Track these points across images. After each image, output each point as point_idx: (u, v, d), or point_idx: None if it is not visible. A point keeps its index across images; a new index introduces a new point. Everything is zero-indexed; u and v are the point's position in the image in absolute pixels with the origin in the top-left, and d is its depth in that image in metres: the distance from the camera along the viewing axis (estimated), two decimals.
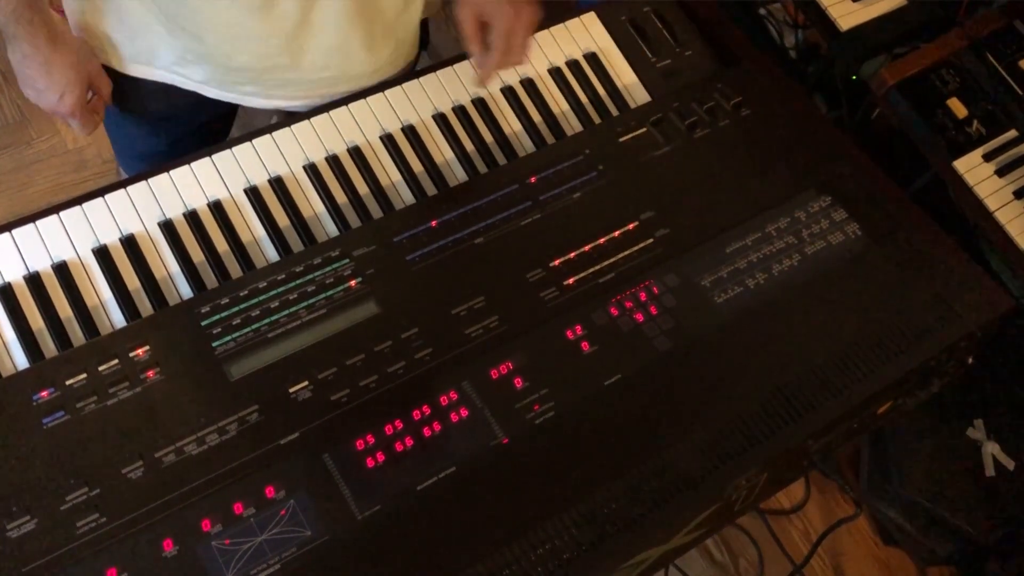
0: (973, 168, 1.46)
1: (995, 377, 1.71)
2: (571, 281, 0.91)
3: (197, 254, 0.93)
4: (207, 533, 0.74)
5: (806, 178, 1.02)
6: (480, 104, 1.06)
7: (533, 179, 0.98)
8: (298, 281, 0.88)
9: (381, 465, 0.79)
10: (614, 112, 1.10)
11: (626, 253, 0.94)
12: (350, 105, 1.02)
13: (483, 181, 0.99)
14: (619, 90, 1.11)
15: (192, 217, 0.94)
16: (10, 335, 0.85)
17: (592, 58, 1.12)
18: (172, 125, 1.14)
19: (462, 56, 1.08)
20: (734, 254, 0.95)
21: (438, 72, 1.06)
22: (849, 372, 0.88)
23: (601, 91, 1.10)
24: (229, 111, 1.18)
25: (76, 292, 0.88)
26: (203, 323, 0.84)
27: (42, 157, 2.05)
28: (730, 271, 0.94)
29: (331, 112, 1.02)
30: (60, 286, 0.88)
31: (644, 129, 1.03)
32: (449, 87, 1.06)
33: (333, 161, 0.99)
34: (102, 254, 0.90)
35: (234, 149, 0.97)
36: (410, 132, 1.03)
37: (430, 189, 1.00)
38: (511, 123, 1.07)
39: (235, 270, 0.93)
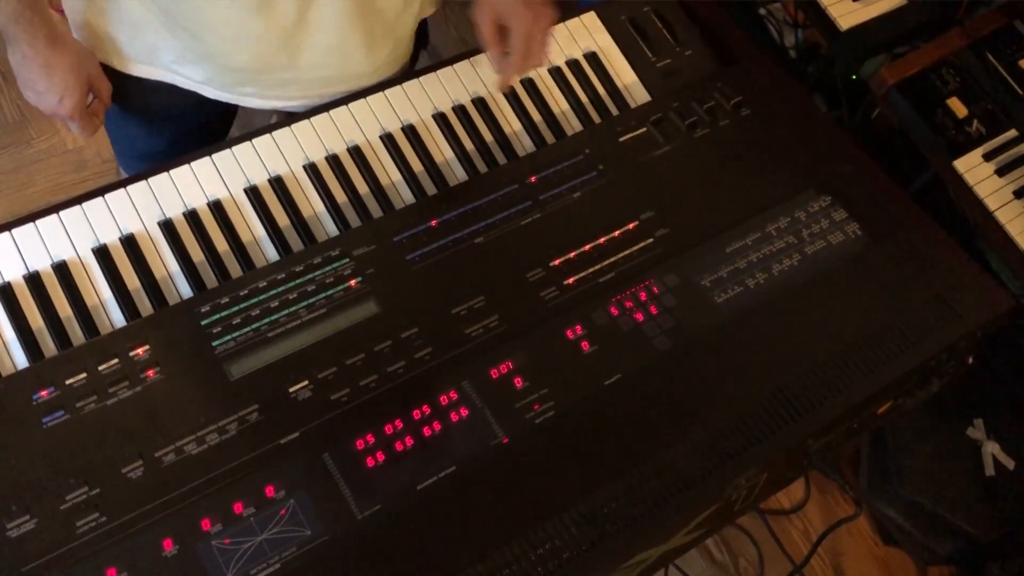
0: (973, 168, 1.46)
1: (995, 377, 1.71)
2: (571, 281, 0.91)
3: (197, 254, 0.93)
4: (207, 533, 0.74)
5: (806, 178, 1.01)
6: (480, 104, 1.06)
7: (533, 179, 0.98)
8: (298, 281, 0.88)
9: (381, 465, 0.79)
10: (614, 112, 1.10)
11: (626, 253, 0.94)
12: (350, 105, 1.02)
13: (483, 181, 0.99)
14: (619, 90, 1.11)
15: (192, 217, 0.94)
16: (10, 334, 0.85)
17: (592, 58, 1.12)
18: (172, 124, 1.14)
19: (462, 56, 1.08)
20: (734, 254, 0.95)
21: (438, 72, 1.06)
22: (849, 372, 0.88)
23: (601, 91, 1.10)
24: (229, 111, 1.18)
25: (76, 292, 0.88)
26: (203, 323, 0.84)
27: (42, 157, 2.05)
28: (730, 271, 0.94)
29: (331, 112, 1.01)
30: (60, 286, 0.88)
31: (644, 129, 1.03)
32: (449, 87, 1.06)
33: (333, 160, 0.99)
34: (102, 254, 0.90)
35: (234, 149, 0.97)
36: (410, 131, 1.03)
37: (430, 189, 1.00)
38: (511, 123, 1.07)
39: (235, 270, 0.93)
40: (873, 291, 0.94)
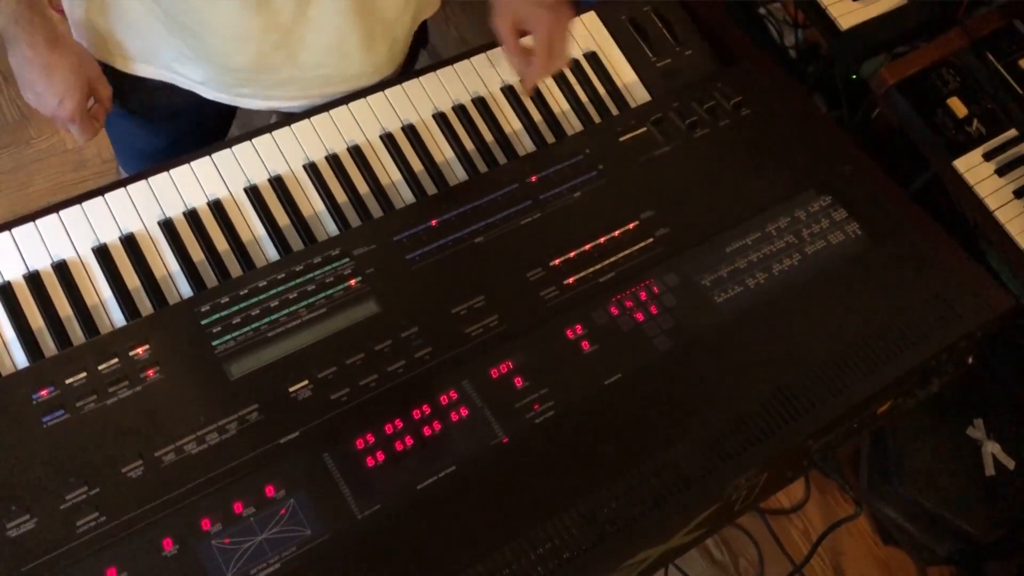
0: (973, 167, 1.46)
1: (995, 377, 1.71)
2: (571, 280, 0.91)
3: (197, 253, 0.93)
4: (207, 532, 0.74)
5: (806, 178, 1.01)
6: (480, 103, 1.06)
7: (533, 178, 0.98)
8: (298, 280, 0.88)
9: (381, 464, 0.79)
10: (614, 111, 1.10)
11: (626, 252, 0.94)
12: (350, 104, 1.02)
13: (483, 180, 0.99)
14: (619, 89, 1.11)
15: (192, 216, 0.94)
16: (10, 334, 0.85)
17: (592, 57, 1.11)
18: (172, 124, 1.14)
19: (462, 56, 1.08)
20: (734, 253, 0.95)
21: (438, 72, 1.06)
22: (849, 371, 0.88)
23: (601, 90, 1.10)
24: (229, 111, 1.18)
25: (76, 291, 0.88)
26: (203, 322, 0.84)
27: (42, 156, 2.05)
28: (730, 270, 0.94)
29: (331, 111, 1.01)
30: (60, 285, 0.88)
31: (644, 128, 1.03)
32: (449, 86, 1.06)
33: (333, 160, 0.99)
34: (102, 253, 0.90)
35: (234, 148, 0.97)
36: (410, 131, 1.02)
37: (430, 188, 1.00)
38: (511, 122, 1.07)
39: (235, 269, 0.93)
40: (873, 291, 0.94)
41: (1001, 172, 1.46)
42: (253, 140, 0.98)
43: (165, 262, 0.92)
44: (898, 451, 1.65)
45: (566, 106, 1.09)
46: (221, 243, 0.93)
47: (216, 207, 0.94)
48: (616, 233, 0.95)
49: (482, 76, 1.07)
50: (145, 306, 0.89)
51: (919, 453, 1.65)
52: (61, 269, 0.89)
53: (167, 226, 0.93)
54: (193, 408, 0.80)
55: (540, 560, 0.76)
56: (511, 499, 0.79)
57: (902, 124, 1.53)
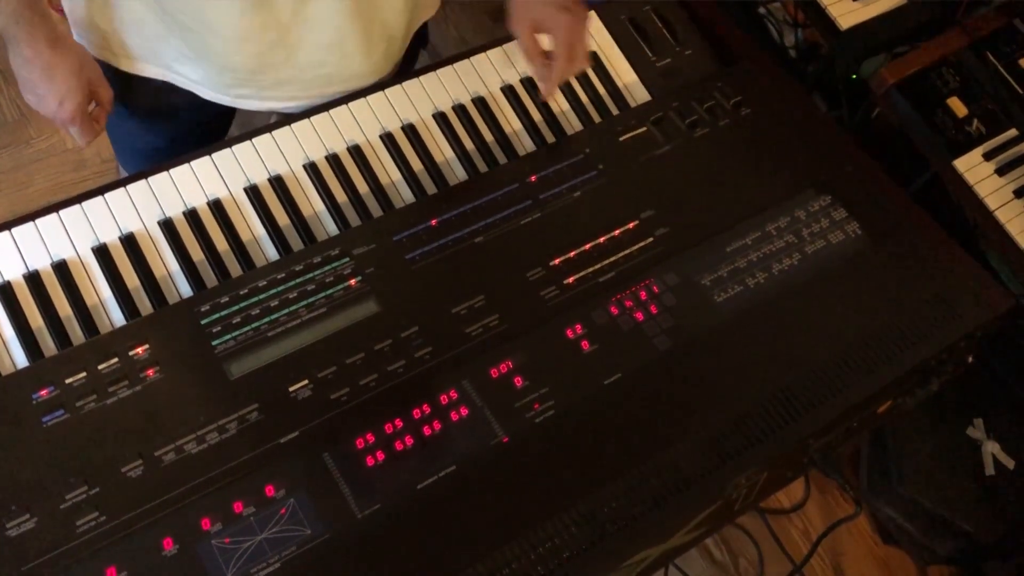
0: (973, 167, 1.46)
1: (995, 376, 1.71)
2: (571, 280, 0.91)
3: (197, 253, 0.93)
4: (207, 532, 0.74)
5: (806, 177, 1.01)
6: (480, 103, 1.06)
7: (533, 178, 0.98)
8: (298, 280, 0.88)
9: (381, 464, 0.79)
10: (614, 111, 1.09)
11: (626, 252, 0.94)
12: (350, 104, 1.02)
13: (483, 180, 0.99)
14: (619, 89, 1.11)
15: (192, 216, 0.94)
16: (10, 334, 0.85)
17: (593, 57, 1.11)
18: (171, 123, 1.14)
19: (462, 55, 1.08)
20: (734, 253, 0.95)
21: (438, 71, 1.06)
22: (849, 371, 0.88)
23: (601, 90, 1.10)
24: (229, 110, 1.18)
25: (76, 291, 0.88)
26: (203, 322, 0.84)
27: (41, 156, 2.05)
28: (730, 270, 0.94)
29: (331, 111, 1.01)
30: (60, 285, 0.88)
31: (644, 128, 1.03)
32: (449, 86, 1.06)
33: (333, 160, 0.99)
34: (102, 253, 0.90)
35: (234, 148, 0.97)
36: (410, 131, 1.02)
37: (430, 188, 1.00)
38: (511, 122, 1.07)
39: (235, 269, 0.93)
40: (873, 291, 0.94)
41: (1001, 172, 1.46)
42: (253, 140, 0.98)
43: (165, 262, 0.92)
44: (898, 451, 1.65)
45: (566, 106, 1.09)
46: (221, 243, 0.93)
47: (216, 207, 0.94)
48: (616, 233, 0.95)
49: (482, 76, 1.07)
50: (145, 306, 0.89)
51: (919, 453, 1.65)
52: (61, 269, 0.89)
53: (167, 226, 0.93)
54: (193, 408, 0.80)
55: (540, 560, 0.76)
56: (511, 499, 0.79)
57: (902, 124, 1.53)
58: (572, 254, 0.93)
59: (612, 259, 0.93)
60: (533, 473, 0.80)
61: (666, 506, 0.80)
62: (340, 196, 0.98)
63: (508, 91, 1.07)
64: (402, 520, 0.76)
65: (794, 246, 0.96)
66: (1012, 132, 1.50)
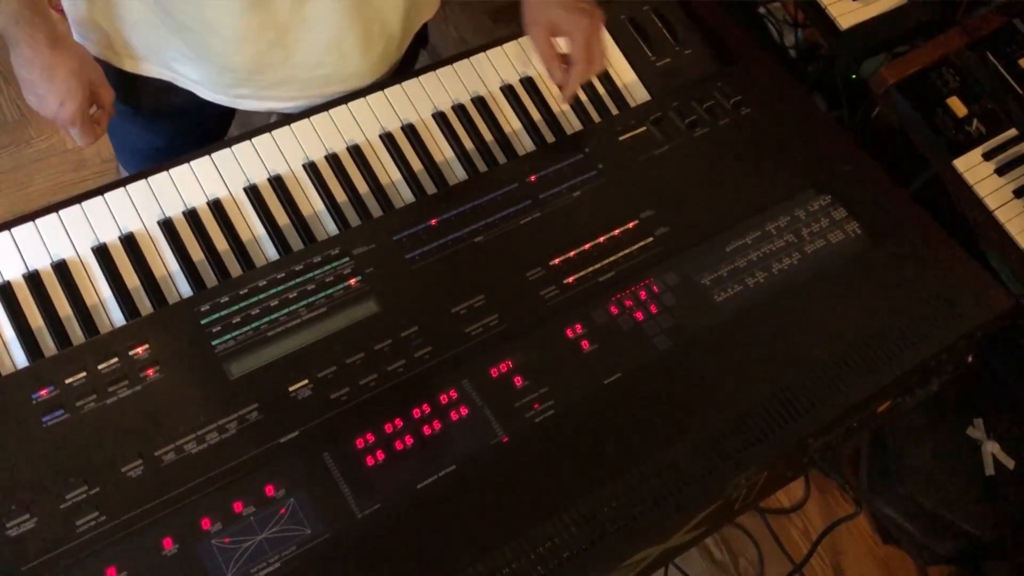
0: (973, 167, 1.46)
1: (995, 376, 1.71)
2: (571, 280, 0.91)
3: (197, 253, 0.93)
4: (207, 532, 0.74)
5: (806, 177, 1.01)
6: (480, 103, 1.06)
7: (533, 178, 0.98)
8: (298, 280, 0.88)
9: (381, 464, 0.79)
10: (614, 111, 1.09)
11: (626, 252, 0.94)
12: (350, 104, 1.02)
13: (483, 180, 0.99)
14: (619, 89, 1.11)
15: (192, 216, 0.94)
16: (9, 334, 0.85)
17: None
18: (171, 122, 1.14)
19: (462, 55, 1.08)
20: (734, 253, 0.95)
21: (438, 71, 1.06)
22: (849, 371, 0.88)
23: (601, 90, 1.10)
24: (228, 110, 1.18)
25: (75, 291, 0.88)
26: (203, 322, 0.84)
27: (41, 156, 2.05)
28: (730, 270, 0.94)
29: (331, 111, 1.01)
30: (60, 285, 0.88)
31: (644, 128, 1.03)
32: (449, 86, 1.06)
33: (333, 160, 0.99)
34: (101, 253, 0.90)
35: (234, 148, 0.97)
36: (410, 131, 1.02)
37: (430, 188, 1.00)
38: (511, 122, 1.07)
39: (235, 269, 0.93)
40: (873, 290, 0.94)
41: (1001, 171, 1.46)
42: (253, 140, 0.98)
43: (165, 262, 0.92)
44: (898, 451, 1.65)
45: (565, 106, 1.09)
46: (221, 243, 0.93)
47: (216, 207, 0.94)
48: (616, 232, 0.95)
49: (482, 76, 1.07)
50: (145, 306, 0.89)
51: (919, 453, 1.65)
52: (61, 269, 0.89)
53: (167, 226, 0.93)
54: (193, 408, 0.80)
55: (540, 559, 0.76)
56: (511, 498, 0.79)
57: (902, 124, 1.53)
58: (572, 254, 0.93)
59: (612, 259, 0.93)
60: (533, 473, 0.80)
61: (666, 506, 0.80)
62: (340, 196, 0.98)
63: (508, 91, 1.07)
64: (402, 520, 0.76)
65: (794, 246, 0.96)
66: (1012, 132, 1.50)
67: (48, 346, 0.86)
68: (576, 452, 0.82)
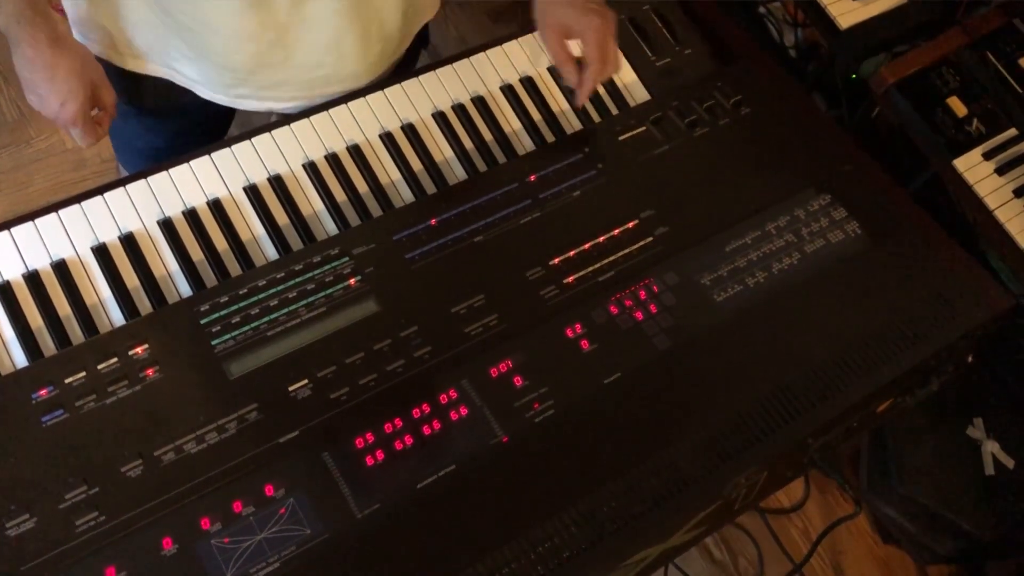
0: (973, 167, 1.46)
1: (995, 376, 1.71)
2: (571, 279, 0.91)
3: (196, 252, 0.92)
4: (206, 532, 0.74)
5: (806, 176, 1.01)
6: (480, 102, 1.06)
7: (533, 177, 0.98)
8: (297, 279, 0.88)
9: (381, 463, 0.79)
10: (614, 111, 1.09)
11: (626, 251, 0.94)
12: (349, 104, 1.02)
13: (483, 179, 0.99)
14: (619, 89, 1.11)
15: (191, 215, 0.94)
16: (9, 334, 0.85)
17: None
18: (171, 121, 1.14)
19: (461, 55, 1.08)
20: (734, 252, 0.95)
21: (438, 71, 1.06)
22: (849, 371, 0.88)
23: (601, 90, 1.10)
24: (228, 110, 1.18)
25: (75, 290, 0.88)
26: (202, 321, 0.84)
27: (41, 156, 2.05)
28: (730, 269, 0.94)
29: (331, 111, 1.01)
30: (59, 284, 0.88)
31: (644, 128, 1.03)
32: (449, 86, 1.06)
33: (332, 159, 0.99)
34: (101, 252, 0.90)
35: (233, 148, 0.97)
36: (409, 130, 1.02)
37: (429, 187, 1.00)
38: (511, 121, 1.07)
39: (234, 268, 0.93)
40: (873, 290, 0.94)
41: (1001, 171, 1.46)
42: (252, 139, 0.98)
43: (164, 261, 0.92)
44: (898, 450, 1.65)
45: (565, 105, 1.09)
46: (220, 242, 0.93)
47: (215, 206, 0.94)
48: (616, 232, 0.95)
49: (481, 76, 1.07)
50: (144, 305, 0.89)
51: (919, 452, 1.65)
52: (60, 268, 0.89)
53: (166, 225, 0.93)
54: (192, 407, 0.80)
55: (540, 559, 0.76)
56: (511, 498, 0.79)
57: (902, 123, 1.53)
58: (572, 253, 0.93)
59: (612, 258, 0.93)
60: (533, 473, 0.80)
61: (666, 506, 0.80)
62: (340, 196, 0.98)
63: (507, 90, 1.07)
64: (402, 520, 0.76)
65: (794, 245, 0.96)
66: (1012, 132, 1.50)
67: (48, 346, 0.85)
68: (576, 452, 0.82)
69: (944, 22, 1.59)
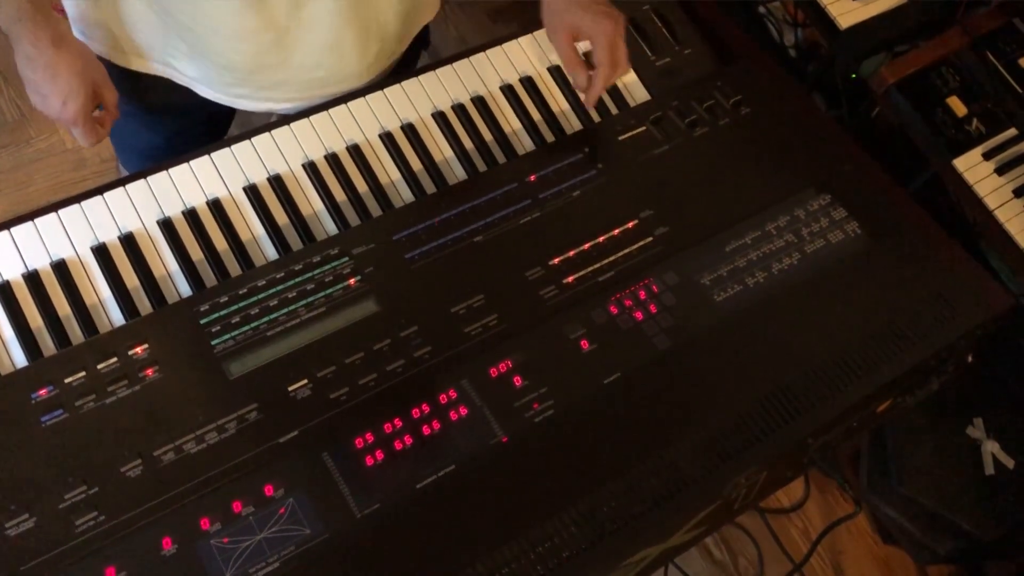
0: (973, 166, 1.46)
1: (994, 376, 1.71)
2: (570, 279, 0.91)
3: (196, 252, 0.92)
4: (206, 531, 0.74)
5: (806, 176, 1.01)
6: (479, 102, 1.06)
7: (532, 177, 0.98)
8: (297, 279, 0.88)
9: (380, 463, 0.79)
10: (613, 110, 1.09)
11: (625, 251, 0.94)
12: (349, 103, 1.02)
13: (482, 179, 0.99)
14: (618, 89, 1.11)
15: (191, 215, 0.94)
16: (9, 333, 0.85)
17: (592, 56, 1.11)
18: (170, 121, 1.14)
19: (461, 55, 1.08)
20: (734, 252, 0.95)
21: (437, 71, 1.06)
22: (848, 371, 0.88)
23: None
24: (228, 110, 1.18)
25: (75, 290, 0.88)
26: (202, 321, 0.84)
27: (41, 156, 2.05)
28: (730, 269, 0.94)
29: (330, 110, 1.01)
30: (59, 284, 0.88)
31: (643, 127, 1.03)
32: (448, 85, 1.06)
33: (332, 159, 0.99)
34: (101, 252, 0.90)
35: (233, 147, 0.97)
36: (409, 130, 1.02)
37: (429, 187, 1.00)
38: (510, 121, 1.07)
39: (234, 268, 0.93)
40: (873, 290, 0.94)
41: (1001, 171, 1.46)
42: (252, 139, 0.98)
43: (164, 261, 0.92)
44: (898, 450, 1.65)
45: (565, 105, 1.09)
46: (220, 242, 0.93)
47: (215, 206, 0.94)
48: (615, 232, 0.95)
49: (481, 75, 1.07)
50: (144, 305, 0.89)
51: (919, 452, 1.65)
52: (60, 268, 0.88)
53: (166, 225, 0.93)
54: (192, 407, 0.80)
55: (540, 559, 0.76)
56: (510, 498, 0.79)
57: (902, 123, 1.53)
58: (571, 253, 0.93)
59: (611, 258, 0.93)
60: (532, 473, 0.80)
61: (665, 506, 0.80)
62: (339, 195, 0.98)
63: (507, 90, 1.07)
64: (401, 520, 0.76)
65: (794, 245, 0.96)
66: (1012, 131, 1.50)
67: (47, 346, 0.85)
68: (576, 452, 0.82)
69: (944, 22, 1.59)
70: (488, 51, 1.09)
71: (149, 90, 1.08)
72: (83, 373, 0.80)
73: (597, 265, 0.92)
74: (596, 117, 1.08)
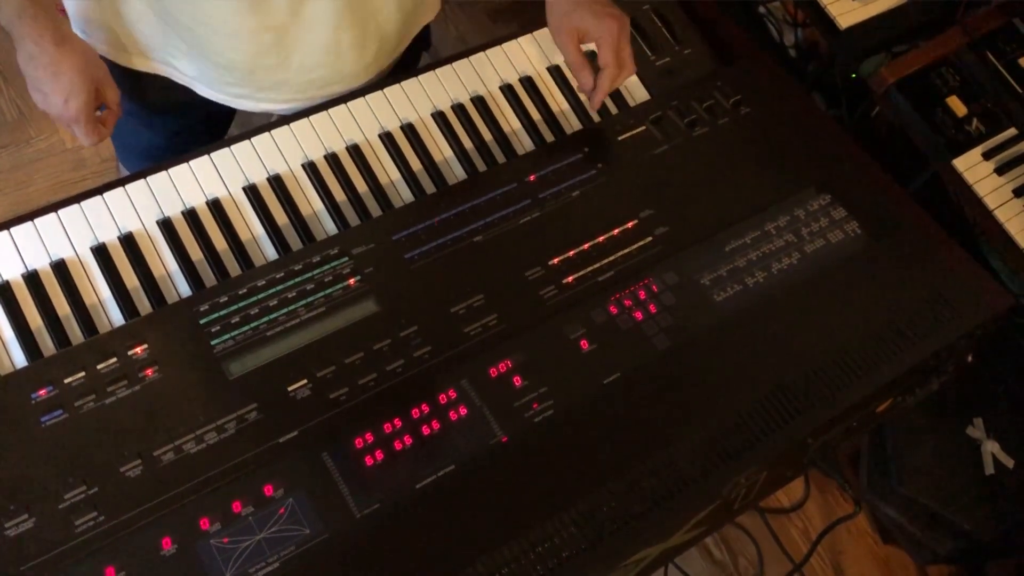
0: (972, 166, 1.46)
1: (994, 375, 1.71)
2: (570, 279, 0.91)
3: (196, 252, 0.92)
4: (206, 532, 0.74)
5: (805, 176, 1.01)
6: (479, 102, 1.06)
7: (532, 177, 0.98)
8: (297, 279, 0.88)
9: (380, 463, 0.79)
10: (613, 110, 1.09)
11: (625, 251, 0.94)
12: (349, 103, 1.02)
13: (482, 179, 0.99)
14: (618, 89, 1.11)
15: (191, 215, 0.94)
16: (8, 334, 0.85)
17: (592, 56, 1.11)
18: (170, 120, 1.14)
19: (461, 55, 1.08)
20: (733, 252, 0.95)
21: (437, 71, 1.06)
22: (848, 370, 0.88)
23: None
24: (228, 110, 1.18)
25: (75, 290, 0.88)
26: (202, 321, 0.84)
27: (41, 156, 2.05)
28: (729, 269, 0.94)
29: (330, 110, 1.01)
30: (59, 284, 0.88)
31: (643, 127, 1.03)
32: (448, 85, 1.06)
33: (332, 159, 0.99)
34: (101, 252, 0.90)
35: (233, 147, 0.97)
36: (409, 130, 1.02)
37: (429, 187, 1.00)
38: (510, 121, 1.07)
39: (234, 268, 0.93)
40: (873, 290, 0.94)
41: (1000, 171, 1.46)
42: (252, 139, 0.98)
43: (164, 261, 0.92)
44: (898, 450, 1.65)
45: (565, 105, 1.09)
46: (220, 242, 0.93)
47: (215, 206, 0.94)
48: (615, 232, 0.95)
49: (481, 75, 1.07)
50: (144, 305, 0.89)
51: (919, 452, 1.65)
52: (60, 268, 0.88)
53: (166, 225, 0.93)
54: (192, 407, 0.80)
55: (539, 559, 0.75)
56: (510, 498, 0.79)
57: (901, 123, 1.53)
58: (571, 253, 0.93)
59: (611, 258, 0.93)
60: (532, 473, 0.80)
61: (665, 505, 0.80)
62: (339, 195, 0.98)
63: (507, 90, 1.07)
64: (401, 520, 0.76)
65: (793, 245, 0.96)
66: (1011, 131, 1.50)
67: (47, 346, 0.85)
68: (576, 452, 0.82)
69: (944, 22, 1.59)
70: (488, 51, 1.09)
71: (149, 89, 1.08)
72: (83, 373, 0.80)
73: (597, 265, 0.92)
74: (596, 117, 1.08)
